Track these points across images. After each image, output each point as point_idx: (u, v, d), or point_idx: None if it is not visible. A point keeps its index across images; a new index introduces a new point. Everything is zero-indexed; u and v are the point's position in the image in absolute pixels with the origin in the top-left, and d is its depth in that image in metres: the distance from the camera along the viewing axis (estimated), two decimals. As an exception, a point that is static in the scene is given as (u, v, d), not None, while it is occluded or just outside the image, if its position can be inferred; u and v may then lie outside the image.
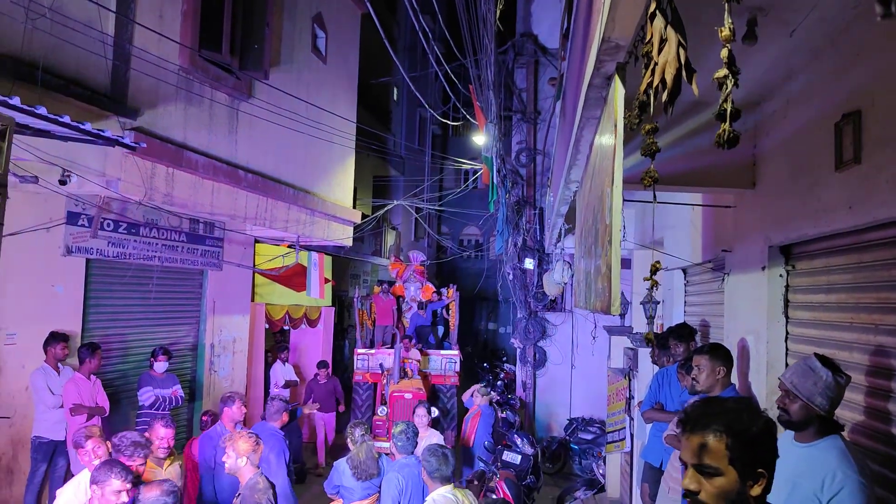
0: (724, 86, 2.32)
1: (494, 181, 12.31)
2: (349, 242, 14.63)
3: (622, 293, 10.02)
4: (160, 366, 9.31)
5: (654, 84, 2.54)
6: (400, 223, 27.07)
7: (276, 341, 16.73)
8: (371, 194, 24.26)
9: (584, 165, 4.98)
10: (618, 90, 3.07)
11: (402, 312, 17.20)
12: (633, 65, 2.96)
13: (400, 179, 26.82)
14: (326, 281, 14.75)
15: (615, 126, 3.03)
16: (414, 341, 15.28)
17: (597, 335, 12.48)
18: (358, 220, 14.73)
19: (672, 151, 5.08)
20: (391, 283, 17.90)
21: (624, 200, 3.25)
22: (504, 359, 24.24)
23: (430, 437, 8.01)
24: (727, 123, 2.34)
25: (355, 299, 16.60)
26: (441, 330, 17.20)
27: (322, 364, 13.89)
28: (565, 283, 10.05)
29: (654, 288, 5.96)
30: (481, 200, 27.66)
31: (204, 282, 11.58)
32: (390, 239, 25.61)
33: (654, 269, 5.43)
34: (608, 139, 3.37)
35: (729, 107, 2.33)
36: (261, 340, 13.83)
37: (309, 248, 13.65)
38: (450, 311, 17.15)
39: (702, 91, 3.57)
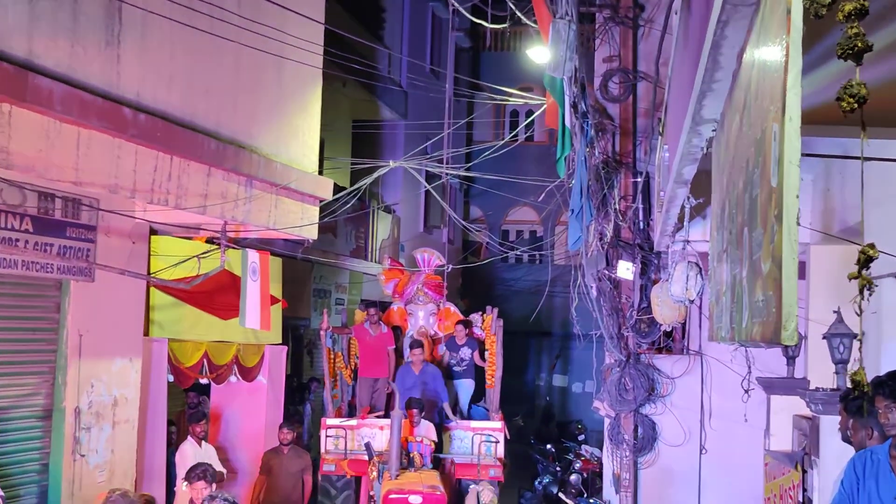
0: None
1: (566, 125, 12.23)
2: (312, 234, 14.64)
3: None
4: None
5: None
6: (399, 202, 27.08)
7: (188, 405, 16.78)
8: (350, 151, 24.28)
9: (726, 92, 4.96)
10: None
11: (402, 356, 17.24)
12: None
13: (399, 126, 26.83)
14: (274, 301, 14.78)
15: (787, 13, 3.02)
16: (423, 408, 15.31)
17: (751, 389, 12.44)
18: (328, 196, 14.74)
19: (890, 65, 5.05)
20: (384, 306, 17.90)
21: (801, 154, 3.23)
22: (581, 437, 24.18)
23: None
24: None
25: (323, 333, 16.62)
26: (467, 387, 17.20)
27: (286, 425, 13.97)
28: (691, 302, 10.02)
29: (866, 293, 5.85)
30: (540, 162, 27.59)
31: (63, 301, 11.61)
32: (383, 229, 25.65)
33: (865, 259, 5.31)
34: (773, 42, 3.34)
35: None
36: (161, 403, 13.86)
37: (243, 245, 13.69)
38: (486, 355, 17.10)
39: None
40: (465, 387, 17.21)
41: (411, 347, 16.46)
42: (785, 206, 3.09)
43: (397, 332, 17.39)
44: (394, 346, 16.85)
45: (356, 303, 22.82)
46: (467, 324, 17.30)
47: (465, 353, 17.10)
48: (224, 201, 12.13)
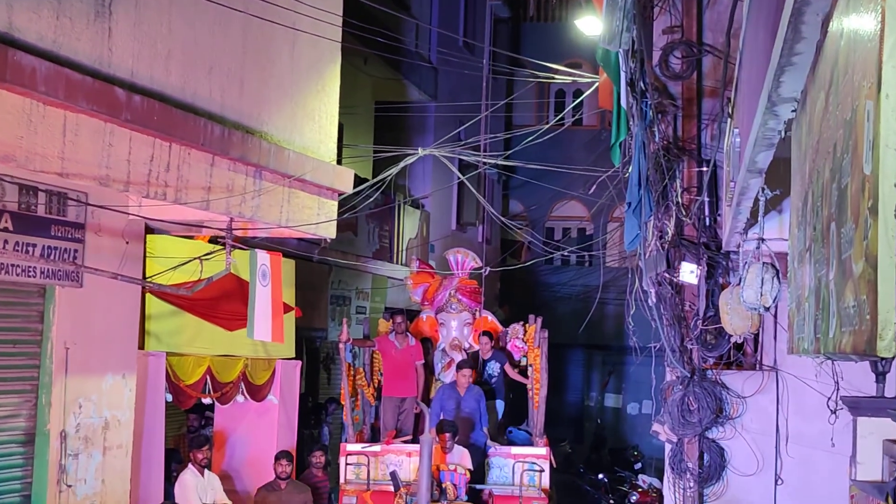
0: None
1: (622, 106, 12.21)
2: (330, 233, 14.66)
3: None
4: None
5: None
6: (429, 195, 27.06)
7: (189, 429, 16.83)
8: (372, 137, 24.29)
9: (808, 66, 4.92)
10: None
11: (433, 372, 17.22)
12: None
13: (428, 109, 26.82)
14: (286, 309, 14.82)
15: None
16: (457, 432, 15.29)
17: (839, 409, 12.34)
18: (348, 189, 14.76)
19: None
20: (411, 315, 17.89)
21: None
22: (637, 465, 24.14)
23: None
24: None
25: (342, 346, 16.64)
26: (496, 409, 17.18)
27: (284, 455, 13.95)
28: (766, 309, 9.95)
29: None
30: (591, 149, 27.62)
31: (46, 310, 11.64)
32: (410, 226, 25.65)
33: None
34: (866, 7, 3.30)
35: None
36: (158, 426, 13.89)
37: (251, 245, 13.72)
38: (530, 370, 17.08)
39: None
40: (495, 408, 17.20)
41: (459, 368, 16.36)
42: (880, 197, 3.04)
43: (426, 344, 17.40)
44: (423, 361, 16.86)
45: (380, 311, 22.90)
46: (491, 334, 17.26)
47: (493, 368, 17.09)
48: (230, 195, 12.14)
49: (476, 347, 17.61)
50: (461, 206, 30.50)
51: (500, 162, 23.69)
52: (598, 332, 29.80)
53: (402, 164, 16.31)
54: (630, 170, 13.04)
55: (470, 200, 29.58)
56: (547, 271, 32.17)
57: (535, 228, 32.73)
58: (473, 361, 17.07)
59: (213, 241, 14.23)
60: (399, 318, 16.80)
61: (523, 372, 17.44)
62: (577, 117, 29.92)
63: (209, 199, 11.81)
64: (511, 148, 23.64)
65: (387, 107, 25.50)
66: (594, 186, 16.10)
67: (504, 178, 33.64)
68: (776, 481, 15.09)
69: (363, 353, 17.17)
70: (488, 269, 18.48)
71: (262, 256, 13.19)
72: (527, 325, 17.55)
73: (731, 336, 13.93)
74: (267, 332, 13.22)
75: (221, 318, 14.40)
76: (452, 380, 16.64)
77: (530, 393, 17.11)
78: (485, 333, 17.20)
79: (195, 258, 13.15)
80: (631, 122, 12.22)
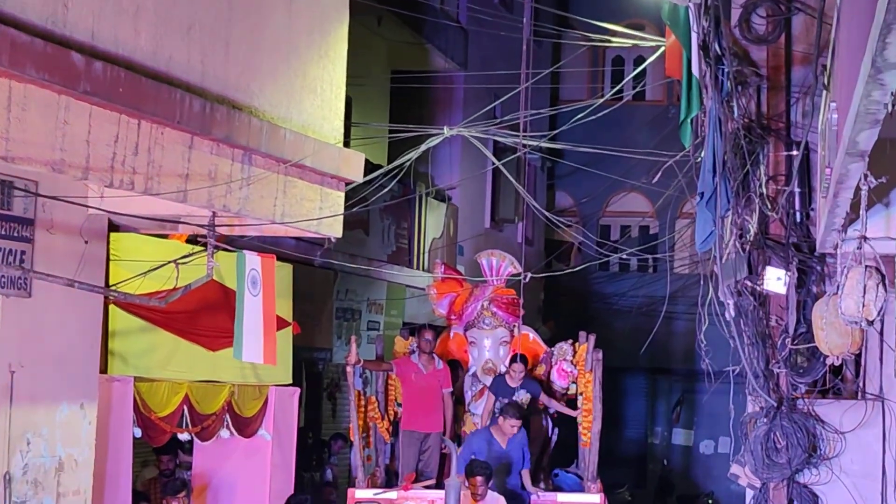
0: None
1: (694, 74, 12.20)
2: (336, 231, 14.67)
3: None
4: None
5: None
6: (457, 187, 27.05)
7: (162, 472, 16.82)
8: (388, 114, 24.25)
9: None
10: None
11: (461, 401, 17.21)
12: None
13: (457, 79, 26.83)
14: (281, 324, 14.85)
15: None
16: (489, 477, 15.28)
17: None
18: (358, 178, 14.78)
19: None
20: (436, 331, 17.88)
21: None
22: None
23: None
24: None
25: (350, 369, 16.64)
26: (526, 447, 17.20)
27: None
28: (870, 324, 9.91)
29: None
30: (655, 129, 27.54)
31: (-11, 324, 11.66)
32: (434, 223, 25.63)
33: None
34: None
35: None
36: (124, 466, 13.91)
37: (238, 246, 13.74)
38: (580, 400, 17.05)
39: None
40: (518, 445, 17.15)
41: (504, 414, 16.30)
42: None
43: (455, 367, 17.40)
44: (451, 389, 16.86)
45: (396, 327, 22.93)
46: (525, 358, 17.18)
47: (522, 398, 17.02)
48: (212, 184, 12.15)
49: (519, 372, 17.42)
50: (496, 199, 30.53)
51: (544, 144, 23.60)
52: (665, 353, 29.79)
53: (423, 147, 16.34)
54: (703, 153, 13.04)
55: (507, 192, 29.60)
56: (602, 279, 32.22)
57: (586, 226, 32.77)
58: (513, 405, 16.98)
59: (191, 240, 14.25)
60: (428, 335, 16.81)
61: (572, 402, 17.43)
62: (638, 89, 29.76)
63: (187, 188, 11.82)
64: (558, 127, 23.59)
65: (406, 77, 25.53)
66: (659, 174, 16.08)
67: (549, 165, 33.68)
68: (884, 537, 15.04)
69: (376, 378, 17.18)
70: (529, 275, 18.38)
71: (252, 260, 13.21)
72: (576, 345, 17.55)
73: (827, 357, 13.88)
74: (258, 352, 13.23)
75: (202, 335, 14.40)
76: (487, 423, 16.62)
77: (580, 428, 17.09)
78: (517, 359, 17.06)
79: (170, 262, 13.12)
80: (704, 95, 12.24)
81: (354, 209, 15.78)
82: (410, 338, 17.29)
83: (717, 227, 13.88)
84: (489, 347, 17.65)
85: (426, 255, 25.09)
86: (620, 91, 22.50)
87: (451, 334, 17.89)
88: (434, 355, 16.73)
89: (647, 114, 31.90)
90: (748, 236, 14.65)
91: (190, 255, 13.30)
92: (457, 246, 27.02)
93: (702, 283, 15.57)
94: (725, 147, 13.51)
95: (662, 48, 16.72)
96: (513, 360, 17.05)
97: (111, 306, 13.48)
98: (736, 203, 14.26)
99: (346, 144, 15.20)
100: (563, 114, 23.72)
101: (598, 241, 27.93)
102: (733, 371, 15.61)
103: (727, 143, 13.56)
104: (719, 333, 15.23)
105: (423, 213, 25.03)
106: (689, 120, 12.82)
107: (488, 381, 17.27)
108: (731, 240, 14.62)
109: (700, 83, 12.14)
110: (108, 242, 13.23)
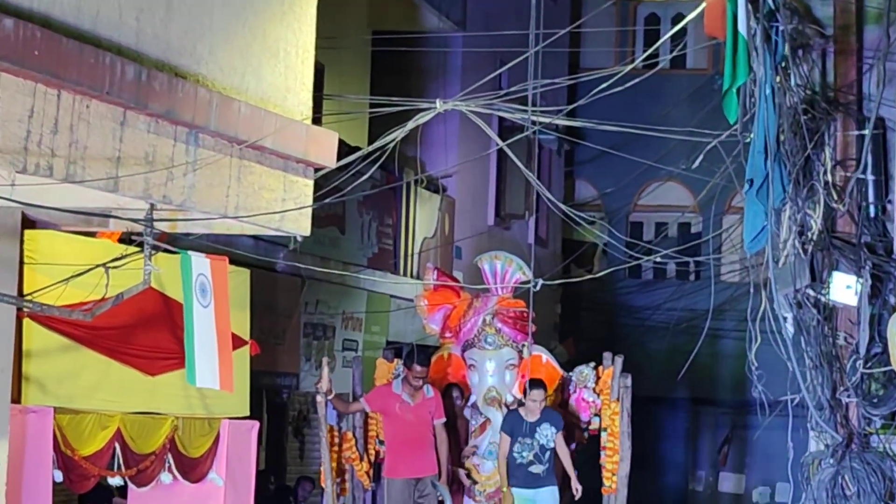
0: None
1: (742, 33, 12.24)
2: (303, 229, 14.70)
3: None
4: None
5: None
6: (454, 174, 27.07)
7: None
8: (368, 85, 24.30)
9: None
10: None
11: (460, 434, 17.27)
12: None
13: (453, 42, 26.88)
14: (237, 343, 14.88)
15: None
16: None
17: None
18: (331, 162, 14.82)
19: None
20: (428, 353, 17.90)
21: None
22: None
23: None
24: None
25: (320, 399, 16.68)
26: (550, 500, 17.22)
27: None
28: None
29: None
30: (697, 103, 27.63)
31: None
32: (425, 219, 25.67)
33: None
34: None
35: None
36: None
37: (183, 246, 13.78)
38: (604, 436, 17.11)
39: None
40: (548, 499, 17.19)
41: (533, 387, 16.40)
42: None
43: (451, 394, 17.44)
44: (444, 419, 16.89)
45: (379, 347, 22.98)
46: (544, 384, 17.20)
47: (545, 434, 16.98)
48: (150, 169, 12.19)
49: (531, 402, 17.43)
50: (502, 190, 30.60)
51: (560, 120, 23.64)
52: (709, 379, 29.90)
53: (411, 124, 16.39)
54: (753, 132, 13.09)
55: (516, 181, 29.65)
56: (632, 288, 32.32)
57: (613, 223, 32.81)
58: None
59: (124, 239, 14.28)
60: (419, 369, 16.73)
61: (594, 439, 17.48)
62: (676, 53, 29.83)
63: (118, 175, 11.86)
64: (577, 101, 23.64)
65: (390, 38, 25.58)
66: (700, 158, 16.09)
67: (567, 148, 33.74)
68: None
69: (354, 410, 17.22)
70: (541, 282, 18.44)
71: (200, 263, 13.22)
72: (600, 369, 17.60)
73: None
74: (213, 376, 13.15)
75: (138, 356, 14.40)
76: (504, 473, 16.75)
77: (604, 471, 17.14)
78: (535, 385, 17.07)
79: (98, 265, 13.14)
80: (753, 60, 12.28)
81: (326, 201, 15.83)
82: (395, 360, 17.32)
83: (769, 221, 13.90)
84: (492, 372, 17.67)
85: (415, 258, 25.15)
86: (655, 56, 22.44)
87: (446, 355, 17.91)
88: (422, 379, 16.69)
89: (687, 84, 31.96)
90: (810, 234, 14.69)
91: (122, 257, 13.31)
92: (453, 247, 27.11)
93: (752, 292, 15.59)
94: (781, 124, 13.54)
95: (703, 5, 16.75)
96: (530, 386, 16.99)
97: (26, 320, 13.51)
98: (795, 193, 14.30)
99: (317, 122, 15.22)
100: (584, 84, 23.69)
101: (628, 242, 28.04)
102: (792, 401, 15.65)
103: (783, 119, 13.60)
104: (775, 355, 15.27)
105: (411, 207, 25.10)
106: (734, 89, 12.84)
107: (491, 413, 17.28)
108: (788, 239, 14.66)
109: (748, 45, 12.16)
110: (21, 242, 13.26)
